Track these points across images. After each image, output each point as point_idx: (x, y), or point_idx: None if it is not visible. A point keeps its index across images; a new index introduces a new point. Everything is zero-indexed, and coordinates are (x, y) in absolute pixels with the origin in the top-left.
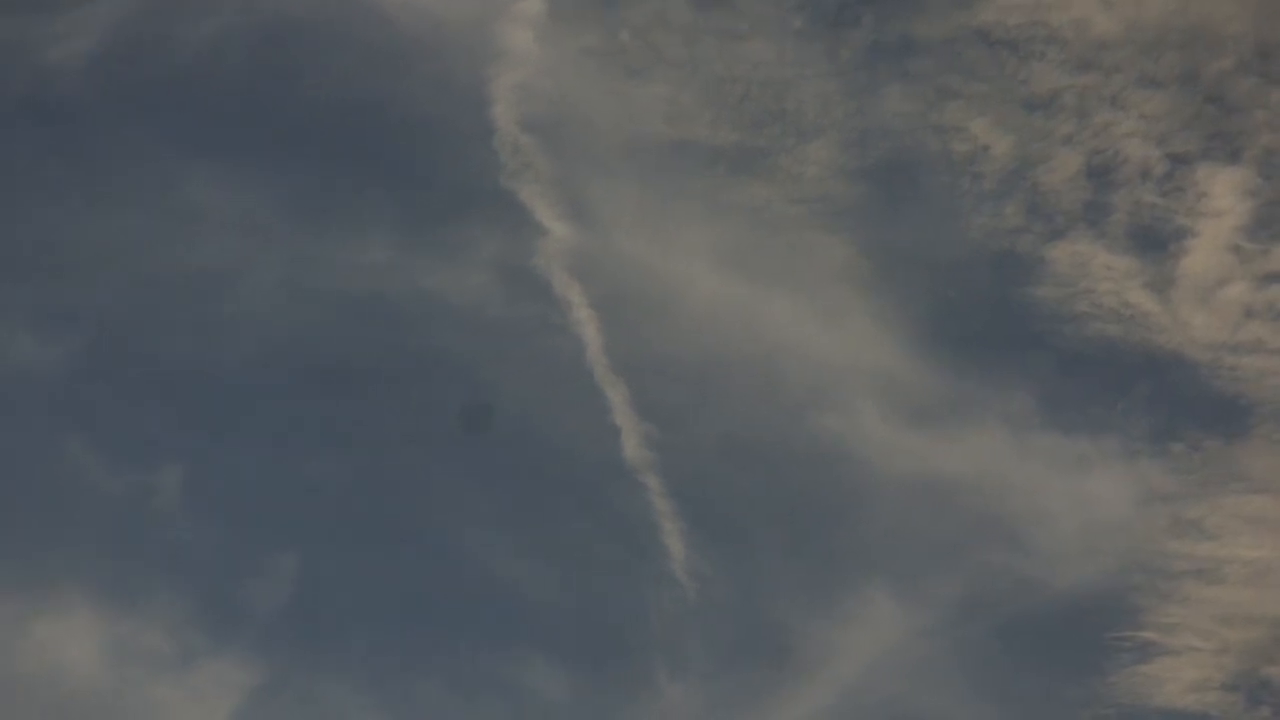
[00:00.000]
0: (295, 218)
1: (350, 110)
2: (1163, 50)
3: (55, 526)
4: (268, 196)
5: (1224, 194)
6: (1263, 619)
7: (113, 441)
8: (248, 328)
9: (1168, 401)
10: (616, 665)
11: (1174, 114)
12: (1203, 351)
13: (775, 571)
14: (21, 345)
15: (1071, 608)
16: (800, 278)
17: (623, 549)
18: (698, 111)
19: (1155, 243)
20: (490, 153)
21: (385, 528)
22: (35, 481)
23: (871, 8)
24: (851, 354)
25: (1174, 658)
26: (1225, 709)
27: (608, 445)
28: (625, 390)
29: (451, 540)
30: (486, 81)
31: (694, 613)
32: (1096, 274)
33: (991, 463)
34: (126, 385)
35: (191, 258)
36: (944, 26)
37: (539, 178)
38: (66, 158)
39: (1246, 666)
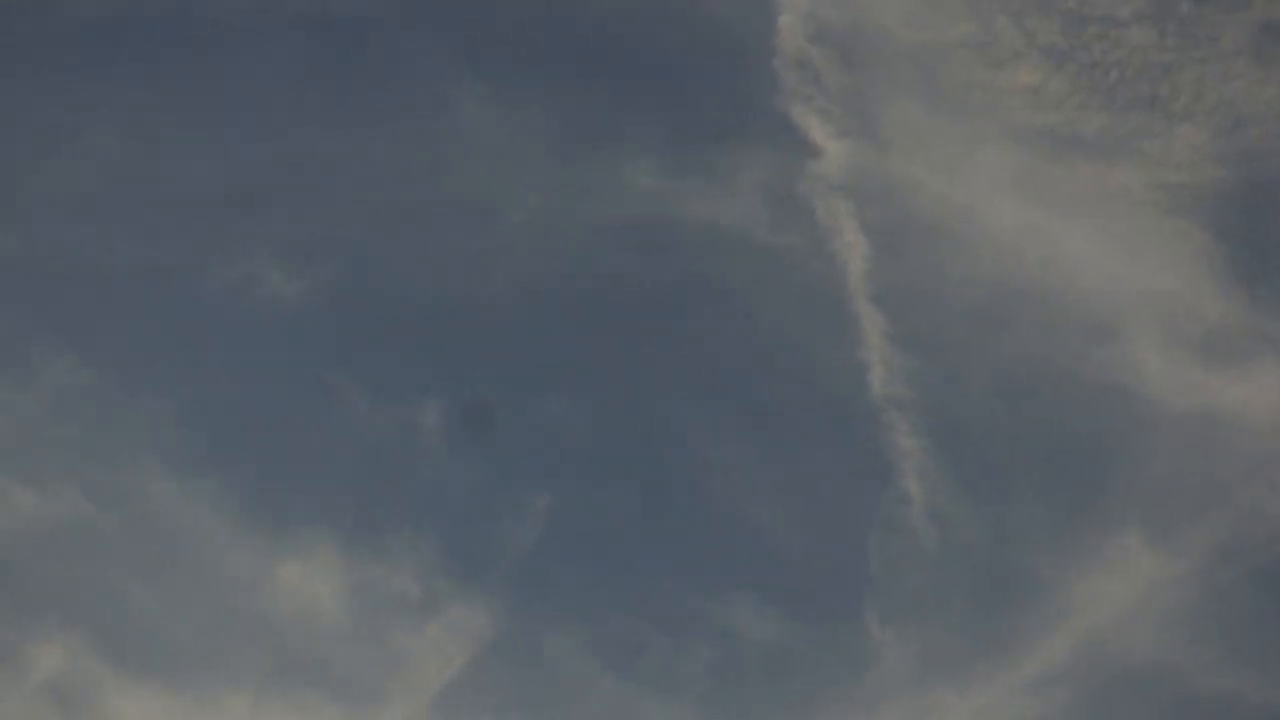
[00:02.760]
0: (560, 142)
1: (622, 21)
2: None
3: (307, 464)
4: (533, 118)
5: None
6: None
7: (364, 379)
8: (507, 259)
9: None
10: (835, 611)
11: None
12: None
13: (1027, 516)
14: (273, 278)
15: None
16: (1100, 209)
17: (858, 490)
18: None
19: None
20: (770, 66)
21: (631, 465)
22: (286, 419)
23: None
24: (1144, 288)
25: None
26: None
27: (857, 380)
28: (884, 322)
29: (689, 479)
30: None
31: (928, 559)
32: None
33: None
34: (378, 320)
35: (452, 185)
36: None
37: (821, 93)
38: (331, 75)
39: None
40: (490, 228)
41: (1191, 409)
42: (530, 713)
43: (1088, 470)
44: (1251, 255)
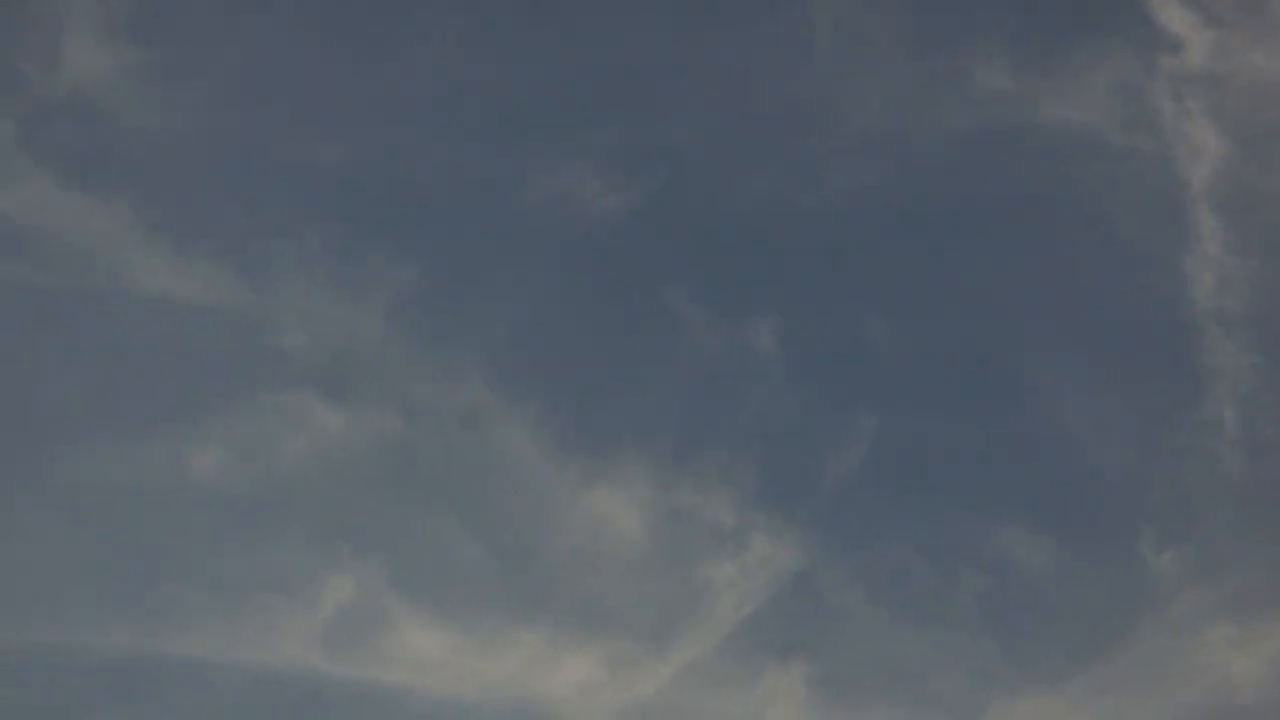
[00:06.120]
0: (908, 40)
1: None
2: None
3: (629, 385)
4: (881, 15)
5: None
6: None
7: (690, 295)
8: (843, 168)
9: None
10: (1114, 543)
11: None
12: None
13: None
14: (597, 189)
15: None
16: None
17: (1169, 413)
18: None
19: None
20: None
21: (954, 387)
22: (610, 337)
23: None
24: None
25: None
26: None
27: (1181, 293)
28: (1224, 230)
29: (1005, 401)
30: None
31: (1231, 491)
32: None
33: None
34: (705, 233)
35: (789, 88)
36: None
37: None
38: None
39: None
40: (828, 134)
41: None
42: (810, 652)
43: None
44: None
